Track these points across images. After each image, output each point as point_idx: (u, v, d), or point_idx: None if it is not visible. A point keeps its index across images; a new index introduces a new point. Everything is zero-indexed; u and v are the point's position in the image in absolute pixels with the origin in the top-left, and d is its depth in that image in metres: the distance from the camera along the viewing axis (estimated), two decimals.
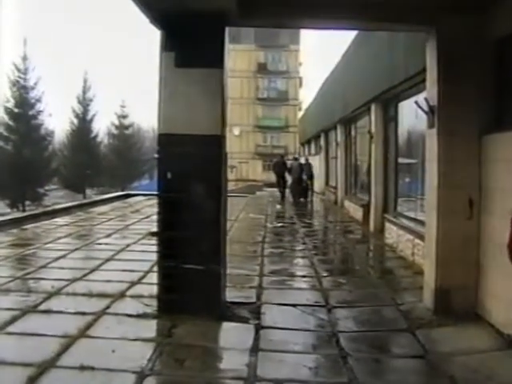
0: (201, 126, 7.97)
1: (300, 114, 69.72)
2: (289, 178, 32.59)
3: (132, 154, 70.03)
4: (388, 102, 16.88)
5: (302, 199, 30.74)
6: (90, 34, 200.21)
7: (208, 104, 8.01)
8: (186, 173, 8.01)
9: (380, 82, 15.72)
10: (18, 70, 50.20)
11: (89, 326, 7.60)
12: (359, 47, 19.78)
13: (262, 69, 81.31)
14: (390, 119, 16.98)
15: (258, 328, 7.69)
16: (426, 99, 8.68)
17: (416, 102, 9.16)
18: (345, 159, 26.37)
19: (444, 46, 8.30)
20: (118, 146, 68.91)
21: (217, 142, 8.09)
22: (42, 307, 8.52)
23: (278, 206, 27.17)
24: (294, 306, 8.83)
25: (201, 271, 8.00)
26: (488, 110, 8.14)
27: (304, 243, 15.32)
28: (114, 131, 71.66)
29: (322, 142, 35.10)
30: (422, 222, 11.30)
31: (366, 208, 18.79)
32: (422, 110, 8.81)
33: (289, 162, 34.11)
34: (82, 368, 6.12)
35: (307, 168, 32.87)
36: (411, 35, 11.37)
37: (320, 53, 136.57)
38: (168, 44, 8.06)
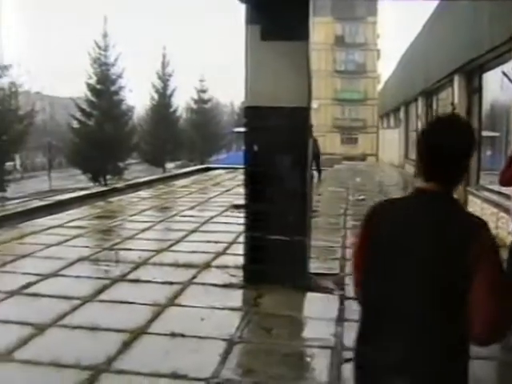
0: (287, 99, 8.00)
1: (378, 86, 68.91)
2: None
3: (210, 128, 70.30)
4: (472, 73, 16.55)
5: None
6: (168, 8, 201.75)
7: (294, 76, 8.03)
8: (272, 145, 8.08)
9: (463, 53, 15.43)
10: (99, 47, 50.73)
11: (177, 294, 7.82)
12: (441, 17, 19.44)
13: (339, 41, 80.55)
14: (473, 91, 16.65)
15: (343, 299, 7.74)
16: None
17: (503, 72, 9.00)
18: None
19: None
20: (197, 121, 69.21)
21: (303, 114, 8.11)
22: (131, 276, 8.79)
23: (358, 179, 26.98)
24: None
25: (286, 242, 8.08)
26: None
27: None
28: (193, 106, 72.07)
29: (402, 114, 34.70)
30: (506, 196, 11.11)
31: None
32: (510, 80, 8.64)
33: None
34: (173, 335, 6.32)
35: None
36: (497, 3, 11.13)
37: (398, 24, 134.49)
38: (253, 17, 8.09)
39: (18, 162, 56.95)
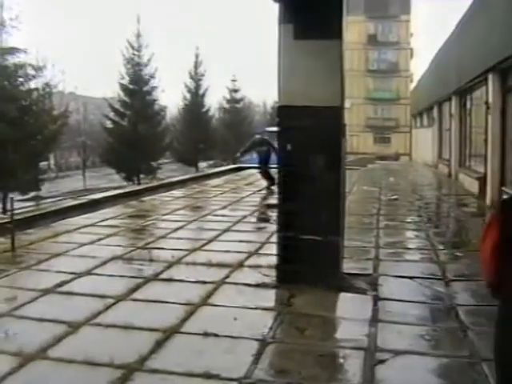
0: (320, 98, 7.94)
1: (411, 85, 68.49)
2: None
3: (243, 127, 70.38)
4: (506, 72, 16.37)
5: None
6: (200, 9, 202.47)
7: (327, 75, 7.98)
8: (305, 144, 8.04)
9: (497, 51, 15.27)
10: (132, 47, 51.02)
11: (209, 294, 7.81)
12: (475, 14, 19.28)
13: (372, 40, 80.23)
14: (508, 89, 16.48)
15: (376, 299, 7.68)
16: None
17: None
18: (459, 131, 25.77)
19: None
20: (229, 120, 69.44)
21: (336, 114, 8.05)
22: (164, 276, 8.82)
23: (392, 179, 26.82)
24: (410, 278, 8.75)
25: (319, 242, 8.04)
26: None
27: (419, 215, 15.12)
28: (226, 105, 72.25)
29: (435, 113, 34.44)
30: None
31: (482, 181, 18.36)
32: None
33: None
34: (206, 334, 6.32)
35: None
36: None
37: (432, 23, 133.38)
38: (286, 16, 8.05)
39: (52, 162, 57.57)
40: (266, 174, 21.28)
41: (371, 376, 5.41)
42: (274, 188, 19.40)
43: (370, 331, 6.52)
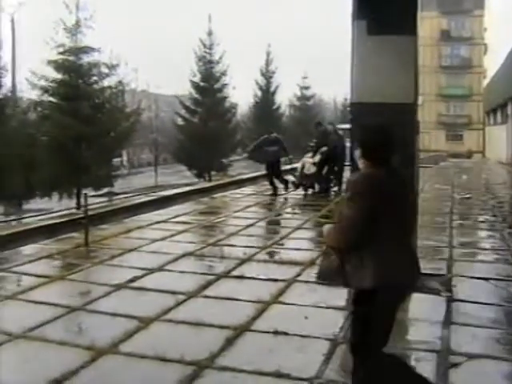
0: (393, 94, 7.78)
1: (484, 82, 67.18)
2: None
3: (313, 125, 70.07)
4: None
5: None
6: (271, 6, 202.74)
7: (401, 72, 7.83)
8: None
9: None
10: (204, 45, 51.29)
11: (281, 292, 7.80)
12: None
13: (444, 36, 78.87)
14: None
15: (450, 300, 7.52)
16: None
17: None
18: None
19: None
20: (300, 117, 69.08)
21: (409, 111, 7.92)
22: (235, 273, 8.84)
23: (464, 177, 26.34)
24: (486, 279, 8.54)
25: None
26: None
27: (493, 215, 14.78)
28: (296, 102, 72.01)
29: (510, 110, 33.69)
30: None
31: None
32: None
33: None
34: (276, 333, 6.29)
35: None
36: None
37: (508, 17, 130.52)
38: (360, 12, 7.94)
39: (124, 158, 58.39)
40: (272, 180, 19.33)
41: (445, 380, 5.29)
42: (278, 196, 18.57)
43: (443, 333, 6.39)
